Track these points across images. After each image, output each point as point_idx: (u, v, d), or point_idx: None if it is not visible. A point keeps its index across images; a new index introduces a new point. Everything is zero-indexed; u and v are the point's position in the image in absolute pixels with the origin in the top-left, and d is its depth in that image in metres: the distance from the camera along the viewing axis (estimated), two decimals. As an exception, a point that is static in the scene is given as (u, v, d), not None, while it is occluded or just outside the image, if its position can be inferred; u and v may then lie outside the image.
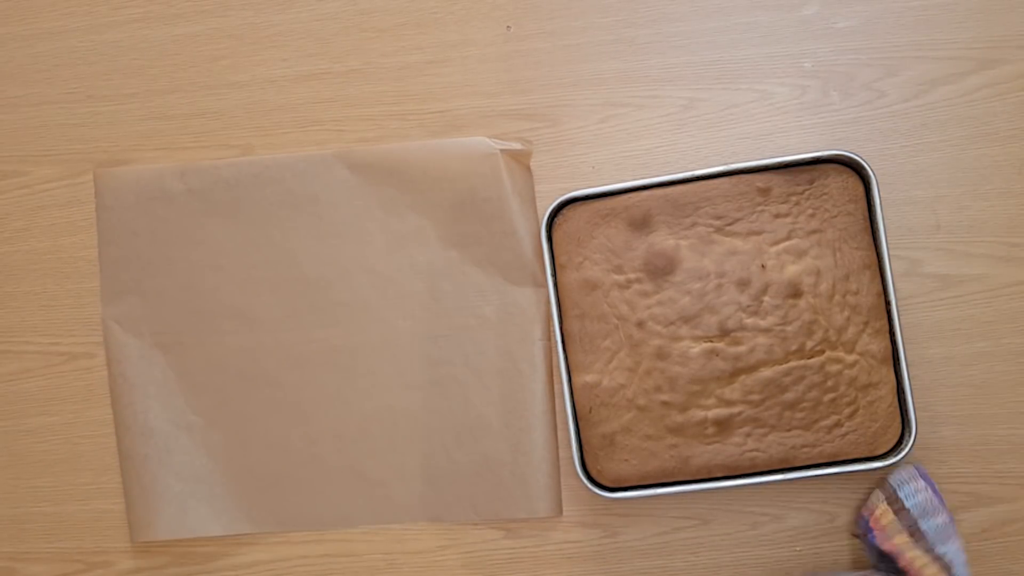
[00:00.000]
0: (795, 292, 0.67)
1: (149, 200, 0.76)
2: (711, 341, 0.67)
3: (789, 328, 0.67)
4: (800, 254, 0.68)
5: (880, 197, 0.68)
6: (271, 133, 0.76)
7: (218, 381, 0.75)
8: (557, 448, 0.72)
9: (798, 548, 0.71)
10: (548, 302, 0.72)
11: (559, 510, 0.72)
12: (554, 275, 0.71)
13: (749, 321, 0.67)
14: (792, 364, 0.67)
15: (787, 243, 0.68)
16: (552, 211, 0.70)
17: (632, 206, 0.69)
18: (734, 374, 0.67)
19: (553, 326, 0.70)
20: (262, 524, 0.74)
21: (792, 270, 0.67)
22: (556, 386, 0.73)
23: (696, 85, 0.73)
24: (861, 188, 0.69)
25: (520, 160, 0.73)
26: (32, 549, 0.76)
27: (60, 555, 0.76)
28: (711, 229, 0.69)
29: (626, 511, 0.72)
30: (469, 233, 0.73)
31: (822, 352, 0.67)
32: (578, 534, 0.73)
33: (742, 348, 0.67)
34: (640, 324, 0.68)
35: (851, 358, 0.67)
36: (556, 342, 0.70)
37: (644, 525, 0.72)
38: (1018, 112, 0.71)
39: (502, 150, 0.72)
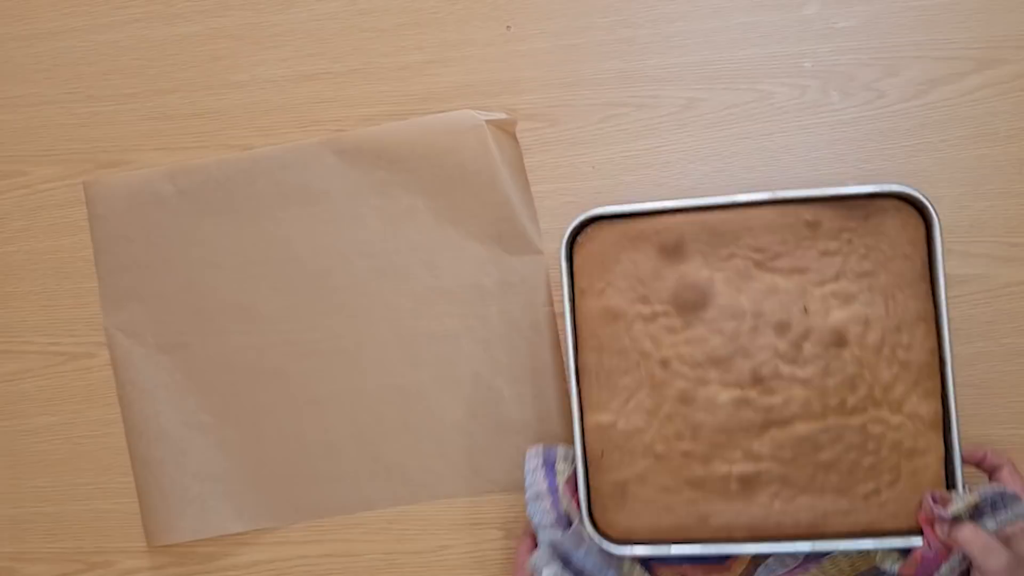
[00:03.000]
0: (839, 341, 0.61)
1: (141, 205, 0.75)
2: (742, 388, 0.61)
3: (830, 381, 0.60)
4: (848, 299, 0.61)
5: (943, 243, 0.61)
6: (271, 133, 0.75)
7: (226, 379, 0.75)
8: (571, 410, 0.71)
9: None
10: (546, 270, 0.71)
11: None
12: (572, 301, 0.65)
13: (786, 369, 0.61)
14: (830, 421, 0.60)
15: (834, 285, 0.61)
16: (574, 229, 0.65)
17: (664, 230, 0.63)
18: (765, 427, 0.61)
19: (567, 359, 0.64)
20: (283, 517, 0.74)
21: (838, 316, 0.61)
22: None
23: (696, 85, 0.73)
24: (922, 230, 0.62)
25: (506, 129, 0.73)
26: (32, 549, 0.76)
27: (60, 555, 0.76)
28: (750, 263, 0.62)
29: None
30: (462, 207, 0.73)
31: (864, 410, 0.60)
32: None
33: (776, 399, 0.60)
34: (664, 363, 0.62)
35: (896, 420, 0.60)
36: (570, 377, 0.64)
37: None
38: (1018, 112, 0.71)
39: (487, 121, 0.72)
